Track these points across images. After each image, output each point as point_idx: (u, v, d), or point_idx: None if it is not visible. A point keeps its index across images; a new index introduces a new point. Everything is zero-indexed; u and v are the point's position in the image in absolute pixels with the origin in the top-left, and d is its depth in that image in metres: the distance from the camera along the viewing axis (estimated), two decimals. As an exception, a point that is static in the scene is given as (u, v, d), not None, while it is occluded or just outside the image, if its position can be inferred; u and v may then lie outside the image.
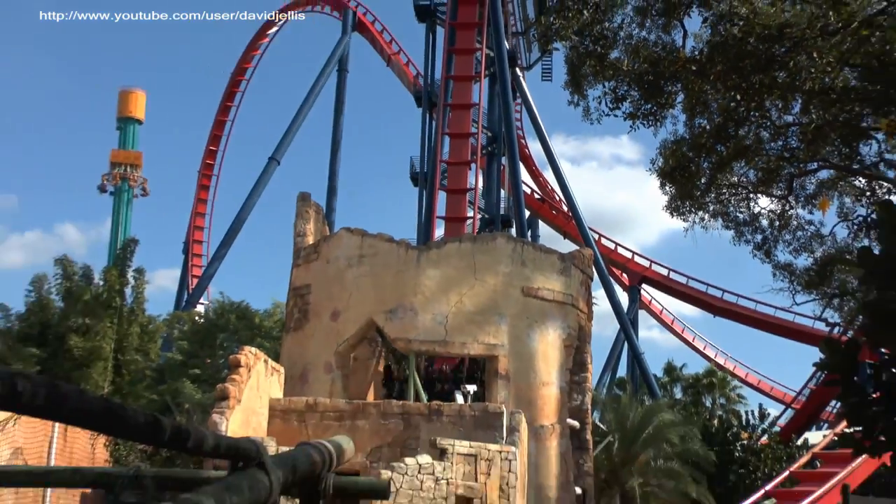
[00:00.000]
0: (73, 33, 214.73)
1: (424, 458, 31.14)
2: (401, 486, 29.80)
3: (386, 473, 28.91)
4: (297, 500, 11.56)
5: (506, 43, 60.75)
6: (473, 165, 57.29)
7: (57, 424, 29.66)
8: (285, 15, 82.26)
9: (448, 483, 31.07)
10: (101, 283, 49.04)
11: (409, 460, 31.00)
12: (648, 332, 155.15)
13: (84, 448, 33.05)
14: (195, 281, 79.03)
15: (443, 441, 31.96)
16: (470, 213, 55.89)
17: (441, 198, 56.84)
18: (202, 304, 71.70)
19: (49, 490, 30.47)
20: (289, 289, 43.03)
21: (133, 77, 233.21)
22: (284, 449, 12.41)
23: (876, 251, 9.13)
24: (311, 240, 42.54)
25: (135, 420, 6.89)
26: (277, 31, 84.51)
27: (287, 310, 44.29)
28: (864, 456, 31.79)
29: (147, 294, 51.64)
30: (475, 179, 57.52)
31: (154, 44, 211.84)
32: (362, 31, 73.99)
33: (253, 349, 35.51)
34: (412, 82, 68.68)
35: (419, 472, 30.69)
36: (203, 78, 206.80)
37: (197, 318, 64.22)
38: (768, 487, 43.10)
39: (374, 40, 73.83)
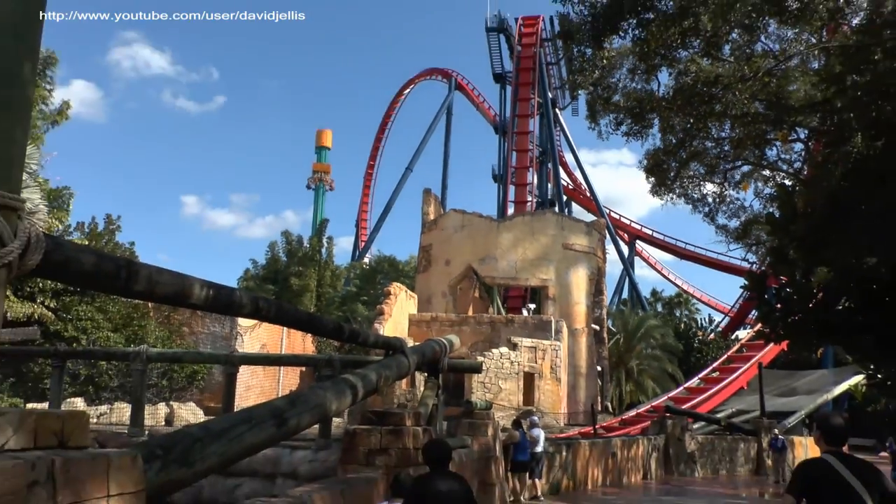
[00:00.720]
0: (292, 95, 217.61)
1: (504, 349, 31.33)
2: (489, 367, 30.05)
3: (480, 358, 29.18)
4: (426, 374, 11.78)
5: (549, 93, 60.25)
6: (531, 169, 57.02)
7: (284, 328, 30.32)
8: (414, 82, 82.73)
9: (518, 364, 31.23)
10: (308, 246, 49.88)
11: (494, 350, 31.23)
12: (640, 271, 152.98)
13: (300, 343, 33.75)
14: (363, 244, 79.87)
15: (515, 338, 32.13)
16: (529, 199, 55.68)
17: (511, 189, 56.69)
18: (367, 257, 72.46)
19: (282, 368, 31.18)
20: (419, 247, 43.40)
21: (325, 118, 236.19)
22: (417, 343, 12.74)
23: (776, 216, 9.12)
24: (432, 216, 42.84)
25: (327, 325, 7.15)
26: (409, 91, 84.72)
27: (418, 260, 44.74)
28: (771, 344, 31.36)
29: (334, 252, 52.53)
30: (532, 177, 57.23)
31: (338, 95, 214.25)
32: (460, 90, 73.90)
33: (398, 284, 36.03)
34: (492, 119, 68.48)
35: (500, 358, 30.89)
36: (366, 118, 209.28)
37: (364, 266, 65.06)
38: (714, 365, 42.70)
39: (468, 94, 73.68)
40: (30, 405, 20.95)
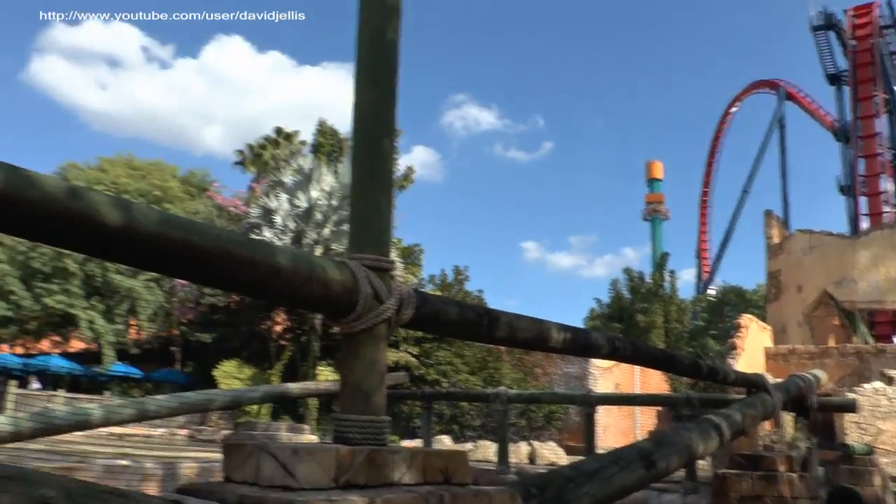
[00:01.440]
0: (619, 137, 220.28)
1: (877, 384, 28.29)
2: (862, 405, 27.19)
3: (850, 395, 26.52)
4: (793, 414, 10.91)
5: (894, 87, 54.32)
6: (883, 175, 51.78)
7: (636, 367, 30.27)
8: (742, 99, 79.33)
9: (897, 401, 28.11)
10: (650, 281, 49.72)
11: (866, 385, 28.29)
12: None
13: (655, 382, 33.36)
14: (706, 275, 77.24)
15: (889, 371, 28.92)
16: (886, 209, 50.42)
17: (862, 201, 51.93)
18: (712, 289, 70.08)
19: (637, 408, 30.98)
20: (766, 274, 41.44)
21: (651, 149, 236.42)
22: (777, 380, 11.84)
23: None
24: (776, 239, 40.88)
25: (683, 362, 6.88)
26: (735, 109, 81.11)
27: (767, 288, 42.65)
28: None
29: (678, 285, 51.60)
30: (886, 185, 51.69)
31: (661, 123, 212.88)
32: (791, 99, 69.11)
33: (747, 315, 34.30)
34: (830, 125, 62.96)
35: (875, 394, 27.96)
36: (693, 143, 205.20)
37: (710, 298, 63.04)
38: None
39: (800, 102, 68.64)
40: (403, 442, 23.15)
